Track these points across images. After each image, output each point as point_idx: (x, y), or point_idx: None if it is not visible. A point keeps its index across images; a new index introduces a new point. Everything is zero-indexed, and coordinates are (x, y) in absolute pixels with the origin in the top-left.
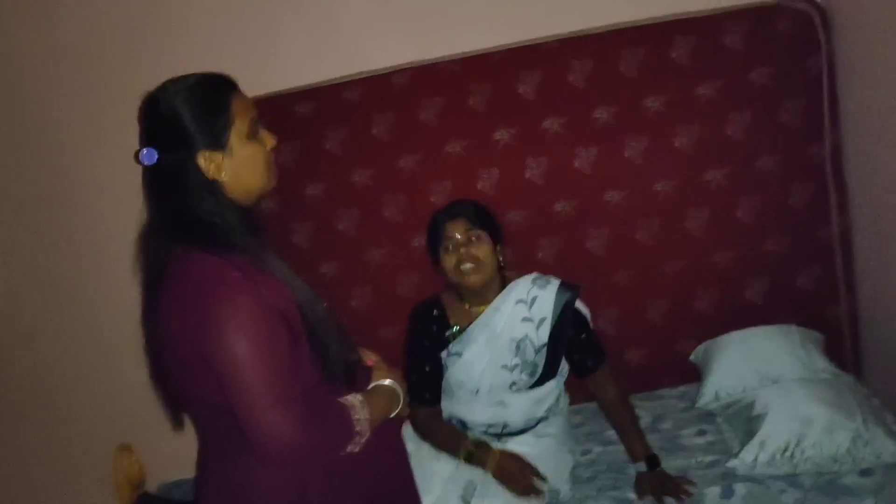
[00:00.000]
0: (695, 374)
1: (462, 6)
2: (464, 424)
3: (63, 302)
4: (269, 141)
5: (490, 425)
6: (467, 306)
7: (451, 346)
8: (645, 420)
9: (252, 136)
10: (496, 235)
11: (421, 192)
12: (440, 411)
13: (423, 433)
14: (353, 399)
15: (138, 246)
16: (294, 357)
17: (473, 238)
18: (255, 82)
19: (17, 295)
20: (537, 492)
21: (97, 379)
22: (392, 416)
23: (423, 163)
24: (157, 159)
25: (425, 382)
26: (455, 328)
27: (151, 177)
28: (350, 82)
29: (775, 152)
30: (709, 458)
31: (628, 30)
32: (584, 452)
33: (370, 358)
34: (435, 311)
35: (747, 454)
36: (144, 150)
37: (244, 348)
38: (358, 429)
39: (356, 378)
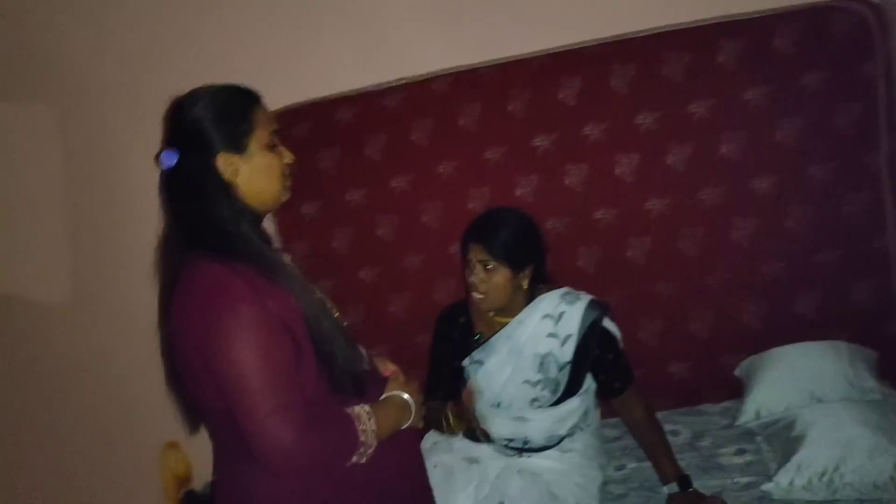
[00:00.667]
0: (740, 390)
1: (502, 11)
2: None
3: (120, 300)
4: (287, 155)
5: (510, 439)
6: (492, 314)
7: (473, 353)
8: (684, 436)
9: (271, 147)
10: (521, 262)
11: (459, 198)
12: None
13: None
14: (360, 410)
15: (157, 253)
16: (298, 367)
17: (489, 267)
18: (296, 89)
19: (78, 293)
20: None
21: (147, 375)
22: (404, 427)
23: (462, 169)
24: (177, 162)
25: (439, 382)
26: (478, 336)
27: (170, 180)
28: (390, 88)
29: (828, 160)
30: (746, 480)
31: (673, 33)
32: (618, 468)
33: (388, 368)
34: (461, 318)
35: (783, 477)
36: (165, 153)
37: (245, 356)
38: (362, 439)
39: (365, 389)
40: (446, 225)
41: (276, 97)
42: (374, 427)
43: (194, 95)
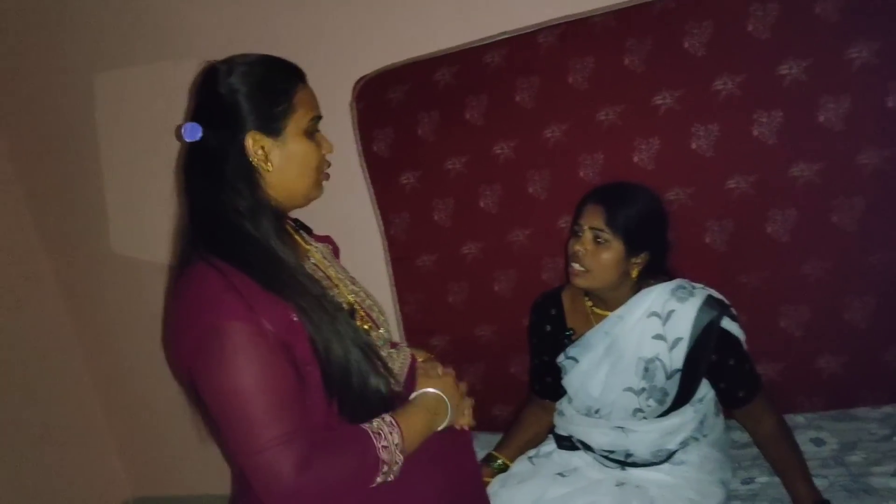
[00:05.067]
0: None
1: None
2: (586, 446)
3: None
4: (327, 146)
5: (611, 451)
6: (590, 304)
7: (568, 349)
8: (830, 447)
9: (309, 134)
10: (639, 243)
11: (569, 165)
12: (546, 406)
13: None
14: (380, 423)
15: (174, 245)
16: (303, 392)
17: (600, 240)
18: (392, 49)
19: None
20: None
21: None
22: (440, 429)
23: (572, 133)
24: (202, 136)
25: (536, 373)
26: (569, 332)
27: (190, 157)
28: (492, 44)
29: None
30: None
31: None
32: (745, 481)
33: (418, 357)
34: (553, 310)
35: None
36: (188, 125)
37: (233, 383)
38: (384, 458)
39: (390, 408)
40: (555, 196)
41: (371, 59)
42: (397, 441)
43: (231, 64)
